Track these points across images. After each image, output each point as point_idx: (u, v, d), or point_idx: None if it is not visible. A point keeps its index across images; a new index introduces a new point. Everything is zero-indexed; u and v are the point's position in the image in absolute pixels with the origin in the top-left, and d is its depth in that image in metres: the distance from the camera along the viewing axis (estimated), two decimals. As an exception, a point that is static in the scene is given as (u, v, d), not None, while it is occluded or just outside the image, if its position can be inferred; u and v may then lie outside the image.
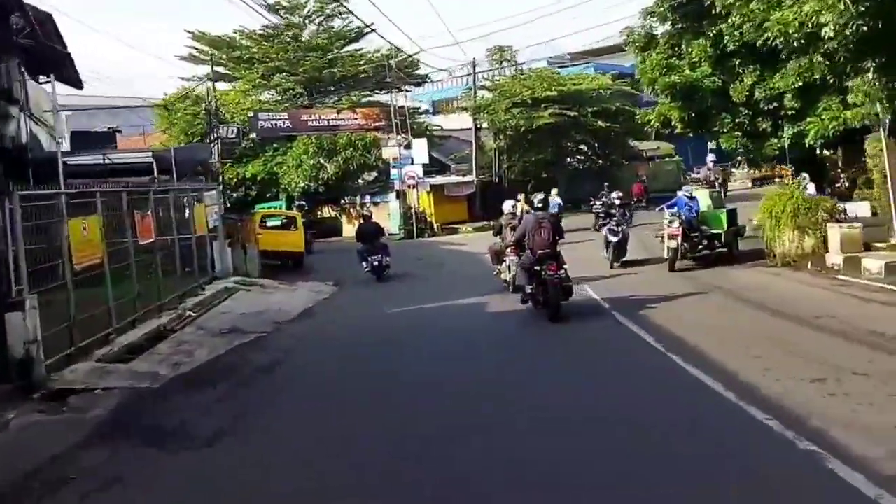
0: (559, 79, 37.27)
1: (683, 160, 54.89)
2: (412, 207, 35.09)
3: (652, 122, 29.80)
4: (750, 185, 53.06)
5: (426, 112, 44.70)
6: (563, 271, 11.46)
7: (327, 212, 41.25)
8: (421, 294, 17.39)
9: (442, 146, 43.70)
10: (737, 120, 26.92)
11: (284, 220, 24.99)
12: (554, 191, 29.60)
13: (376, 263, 19.54)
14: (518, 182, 40.44)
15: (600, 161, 41.89)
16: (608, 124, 37.25)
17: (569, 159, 43.57)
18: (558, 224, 12.31)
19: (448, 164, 43.02)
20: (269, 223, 24.51)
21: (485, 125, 39.22)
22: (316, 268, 24.38)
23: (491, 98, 37.18)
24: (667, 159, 53.69)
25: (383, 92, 40.61)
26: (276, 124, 36.30)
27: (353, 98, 39.52)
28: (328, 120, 36.89)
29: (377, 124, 37.38)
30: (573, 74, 37.99)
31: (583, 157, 43.02)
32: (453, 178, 37.74)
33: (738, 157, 63.42)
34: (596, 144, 41.01)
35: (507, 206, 16.75)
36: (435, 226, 35.30)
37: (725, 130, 27.29)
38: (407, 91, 42.88)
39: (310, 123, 36.42)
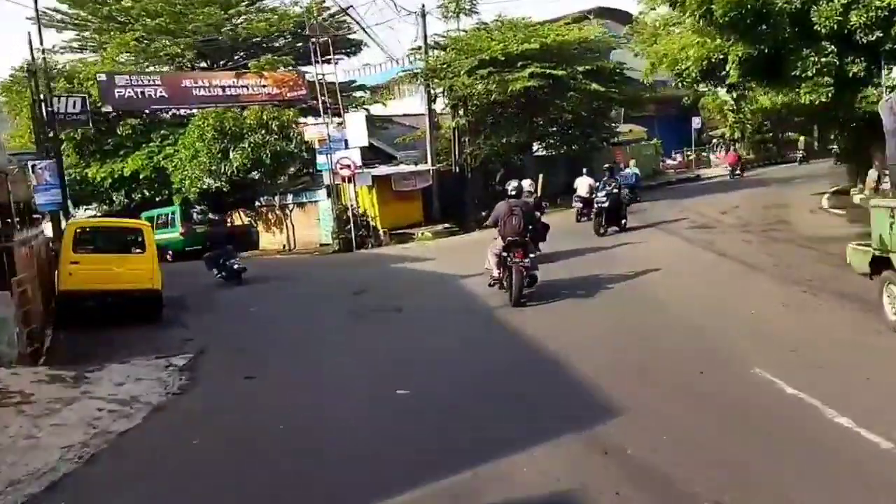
0: (539, 29, 26.98)
1: (662, 143, 45.71)
2: (349, 208, 24.49)
3: (688, 69, 19.95)
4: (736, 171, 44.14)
5: (362, 87, 33.70)
6: (528, 260, 11.21)
7: (241, 218, 30.30)
8: (380, 427, 6.88)
9: (384, 133, 33.15)
10: (823, 58, 17.36)
11: (122, 237, 14.01)
12: (632, 162, 29.71)
13: (231, 265, 17.14)
14: (484, 172, 30.24)
15: (574, 145, 31.84)
16: (606, 88, 27.15)
17: (536, 145, 33.58)
18: (531, 213, 12.27)
19: (393, 154, 32.53)
20: (93, 242, 13.57)
21: (440, 99, 28.68)
22: (185, 315, 13.66)
23: (448, 57, 26.67)
24: (643, 142, 44.45)
25: (308, 66, 29.87)
26: (142, 93, 25.05)
27: (264, 64, 28.42)
28: (223, 87, 25.89)
29: (295, 94, 26.60)
30: (555, 26, 27.70)
31: (556, 140, 32.97)
32: (403, 168, 27.15)
33: (717, 141, 54.95)
34: (572, 122, 30.91)
35: (527, 184, 14.96)
36: (381, 232, 24.77)
37: (811, 74, 17.55)
38: (338, 60, 32.18)
39: (196, 92, 25.39)
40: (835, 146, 37.69)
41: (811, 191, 25.49)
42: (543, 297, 11.57)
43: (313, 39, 25.45)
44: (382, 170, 26.34)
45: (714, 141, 51.56)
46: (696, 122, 43.59)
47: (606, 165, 21.89)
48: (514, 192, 11.90)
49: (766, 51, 17.16)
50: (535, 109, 29.56)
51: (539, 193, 16.09)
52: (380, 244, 24.27)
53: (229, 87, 26.06)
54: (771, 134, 49.32)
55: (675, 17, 46.88)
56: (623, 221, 19.31)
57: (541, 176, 18.58)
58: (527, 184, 15.23)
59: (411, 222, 26.12)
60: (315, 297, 14.64)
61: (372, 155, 30.79)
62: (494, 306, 11.30)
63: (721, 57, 18.91)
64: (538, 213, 14.03)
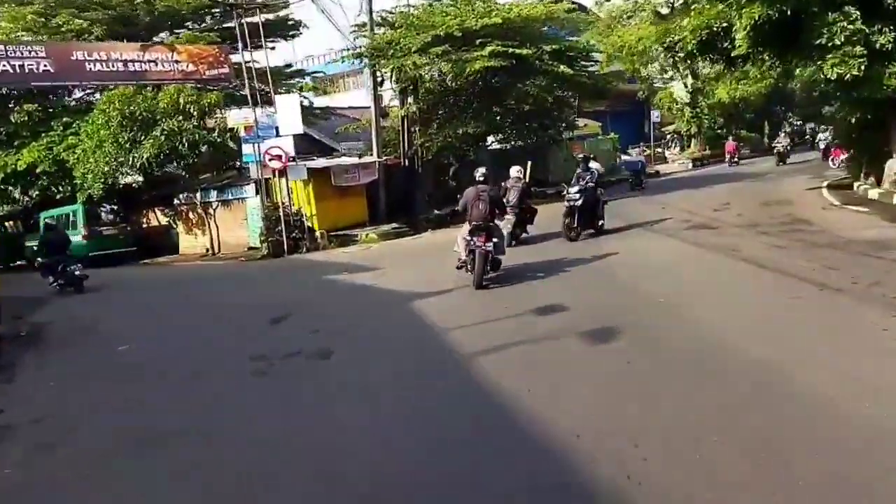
0: (499, 7, 23.10)
1: (620, 137, 42.51)
2: (280, 206, 20.29)
3: (685, 39, 16.61)
4: (690, 167, 41.25)
5: (300, 73, 29.14)
6: (491, 244, 11.07)
7: (157, 218, 25.73)
8: None
9: (325, 124, 28.99)
10: (851, 25, 14.20)
11: None
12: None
13: (71, 271, 15.48)
14: (436, 166, 26.36)
15: (532, 138, 28.29)
16: (575, 71, 23.52)
17: (490, 137, 30.03)
18: (498, 199, 11.99)
19: (335, 146, 28.37)
20: None
21: (388, 84, 24.62)
22: (19, 357, 9.46)
23: (397, 34, 22.57)
24: (600, 137, 41.24)
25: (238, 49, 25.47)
26: (20, 66, 20.16)
27: (184, 40, 23.78)
28: (125, 62, 21.32)
29: (216, 73, 22.25)
30: (517, 3, 23.87)
31: (513, 132, 29.35)
32: (345, 160, 22.98)
33: (671, 136, 52.08)
34: (531, 112, 27.26)
35: (514, 171, 16.13)
36: (318, 234, 20.62)
37: (839, 43, 14.33)
38: (273, 43, 27.82)
39: (90, 67, 20.76)
40: (778, 143, 35.16)
41: (792, 186, 22.40)
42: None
43: (238, 11, 21.04)
44: (320, 162, 22.16)
45: (668, 137, 48.78)
46: (655, 116, 40.60)
47: (580, 155, 17.98)
48: (482, 179, 11.95)
49: (787, 13, 13.71)
50: (494, 98, 25.80)
51: (527, 179, 16.53)
52: (317, 248, 20.15)
53: (133, 61, 21.43)
54: (724, 130, 46.82)
55: (631, 9, 44.06)
56: (600, 223, 15.59)
57: (529, 163, 18.52)
58: (515, 170, 16.06)
59: (354, 222, 22.07)
60: (219, 328, 10.51)
61: (310, 147, 26.62)
62: (467, 353, 7.42)
63: (724, 25, 15.44)
64: (528, 199, 16.01)
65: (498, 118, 25.80)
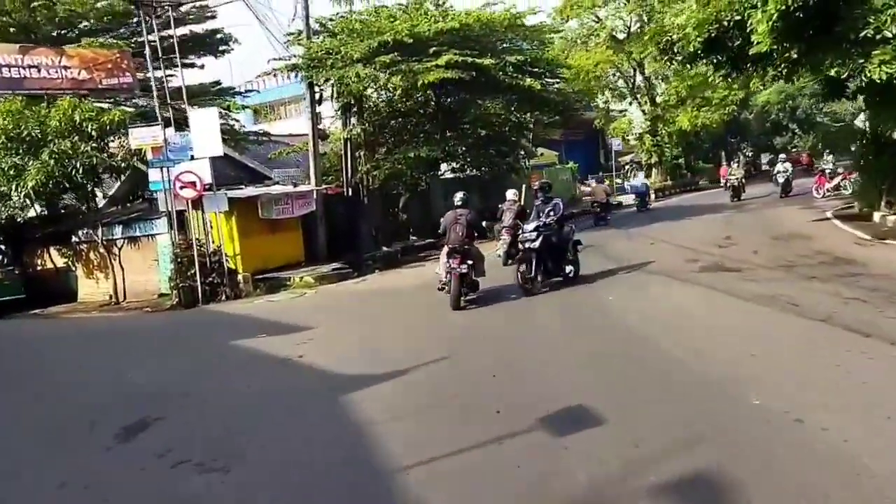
0: (455, 14, 19.78)
1: (579, 166, 39.69)
2: (195, 244, 16.36)
3: (687, 37, 13.52)
4: (653, 197, 38.38)
5: (229, 91, 25.19)
6: (465, 266, 11.01)
7: (56, 259, 21.35)
8: None
9: (260, 150, 25.28)
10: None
11: None
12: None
13: None
14: (384, 196, 22.81)
15: (486, 166, 25.19)
16: (543, 86, 20.37)
17: (444, 165, 26.82)
18: (477, 222, 11.98)
19: (268, 174, 24.59)
20: None
21: (327, 101, 21.02)
22: None
23: (338, 42, 19.01)
24: (558, 166, 38.47)
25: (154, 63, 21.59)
26: None
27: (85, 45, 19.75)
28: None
29: (115, 82, 18.31)
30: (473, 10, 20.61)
31: (468, 160, 26.14)
32: (276, 189, 19.11)
33: (630, 167, 49.58)
34: (488, 137, 24.09)
35: (510, 193, 15.92)
36: (240, 277, 16.67)
37: (889, 36, 11.40)
38: (199, 65, 23.95)
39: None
40: (732, 175, 32.33)
41: (790, 216, 19.58)
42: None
43: (146, 10, 17.19)
44: (246, 191, 18.31)
45: (626, 167, 46.27)
46: (616, 144, 37.86)
47: (536, 183, 13.83)
48: (460, 203, 12.04)
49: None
50: (448, 120, 22.47)
51: (522, 202, 16.30)
52: (238, 294, 16.24)
53: (7, 66, 17.36)
54: (682, 160, 44.56)
55: (587, 33, 41.52)
56: (568, 269, 11.93)
57: (523, 186, 17.79)
58: (511, 193, 15.90)
59: (287, 262, 18.25)
60: (26, 447, 6.58)
61: (241, 174, 22.82)
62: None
63: (737, 18, 12.35)
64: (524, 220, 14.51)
65: (453, 143, 22.40)
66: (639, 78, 41.23)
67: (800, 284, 9.70)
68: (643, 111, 40.60)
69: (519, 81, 19.23)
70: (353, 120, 20.95)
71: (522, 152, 28.60)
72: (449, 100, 23.01)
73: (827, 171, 25.68)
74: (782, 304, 8.48)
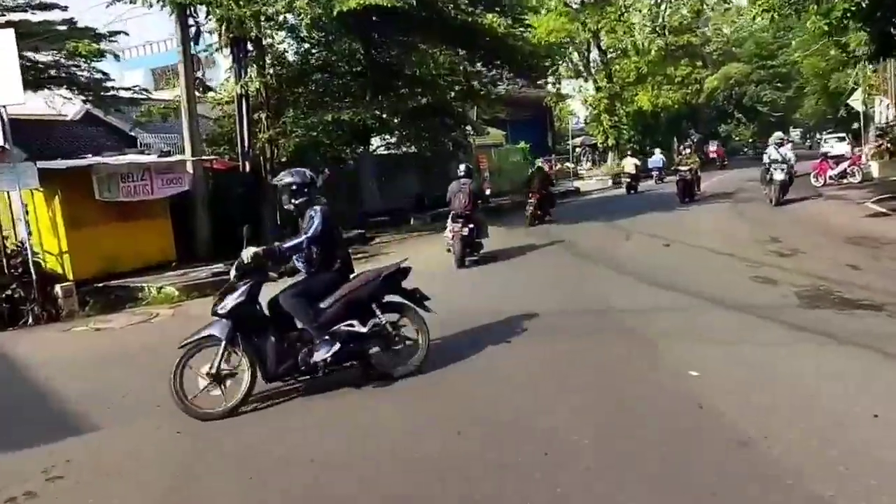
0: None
1: (532, 145, 34.64)
2: (-6, 237, 10.45)
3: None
4: (610, 184, 33.64)
5: (89, 33, 18.63)
6: (466, 230, 11.72)
7: None
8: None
9: (129, 111, 19.12)
10: None
11: None
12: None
13: None
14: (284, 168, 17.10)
15: (426, 142, 20.08)
16: (508, 27, 15.07)
17: (377, 140, 21.62)
18: (479, 191, 13.11)
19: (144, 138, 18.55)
20: None
21: (209, 35, 15.20)
22: None
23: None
24: (507, 146, 33.49)
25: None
26: None
27: None
28: None
29: None
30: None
31: (406, 134, 20.93)
32: (126, 159, 13.09)
33: (582, 150, 44.80)
34: (430, 107, 18.79)
35: (462, 168, 13.19)
36: (59, 290, 10.74)
37: None
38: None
39: None
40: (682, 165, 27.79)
41: (819, 209, 15.05)
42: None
43: None
44: (73, 162, 12.32)
45: (578, 150, 41.55)
46: (574, 122, 32.91)
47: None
48: (462, 174, 12.54)
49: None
50: (381, 77, 16.99)
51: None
52: (56, 315, 10.39)
53: None
54: (636, 144, 40.06)
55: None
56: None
57: None
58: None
59: (147, 263, 12.45)
60: None
61: (110, 140, 16.78)
62: None
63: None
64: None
65: (385, 106, 16.89)
66: (594, 53, 36.51)
67: None
68: (598, 88, 35.84)
69: (477, 20, 13.85)
70: (252, 70, 15.18)
71: (469, 127, 23.36)
72: (381, 52, 17.55)
73: (830, 156, 21.41)
74: None
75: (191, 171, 13.43)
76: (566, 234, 15.03)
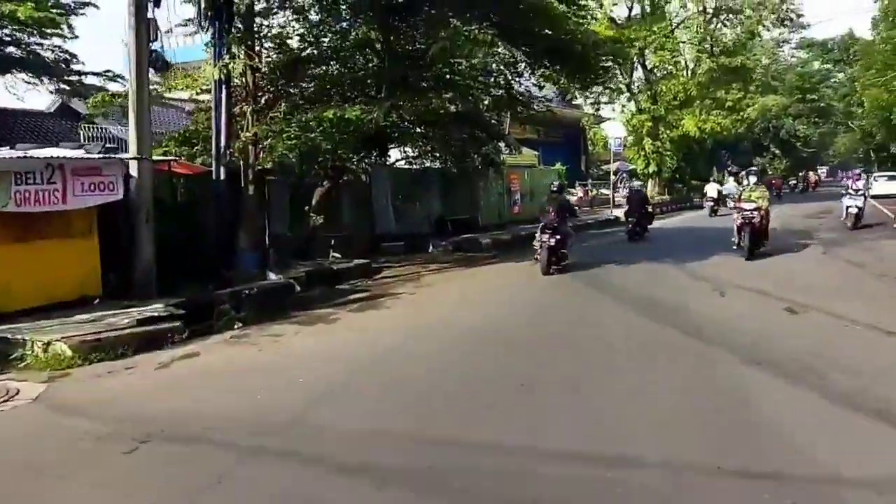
0: None
1: (568, 168, 30.68)
2: None
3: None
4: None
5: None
6: (553, 240, 12.18)
7: None
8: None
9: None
10: None
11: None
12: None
13: None
14: (291, 186, 13.52)
15: (452, 158, 16.39)
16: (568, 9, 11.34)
17: (396, 152, 18.03)
18: (568, 205, 13.85)
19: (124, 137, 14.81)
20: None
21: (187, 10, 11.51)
22: None
23: None
24: (541, 168, 29.63)
25: None
26: None
27: None
28: None
29: None
30: None
31: (430, 147, 17.25)
32: (36, 153, 9.29)
33: (622, 175, 40.46)
34: (457, 115, 15.03)
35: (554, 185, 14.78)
36: None
37: None
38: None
39: None
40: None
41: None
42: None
43: None
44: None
45: (618, 176, 37.26)
46: (615, 144, 28.73)
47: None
48: (555, 189, 13.83)
49: None
50: (400, 68, 13.19)
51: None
52: None
53: None
54: (678, 173, 35.81)
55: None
56: None
57: None
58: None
59: (53, 298, 8.63)
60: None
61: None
62: None
63: None
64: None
65: (402, 109, 13.02)
66: (638, 72, 32.59)
67: None
68: (640, 109, 31.82)
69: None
70: (240, 50, 11.43)
71: (503, 143, 19.45)
72: (403, 39, 13.81)
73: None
74: None
75: (135, 175, 9.61)
76: (623, 279, 11.37)
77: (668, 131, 31.45)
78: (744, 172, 15.93)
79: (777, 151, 62.18)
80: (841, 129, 66.31)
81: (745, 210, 13.76)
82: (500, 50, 14.83)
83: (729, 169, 50.40)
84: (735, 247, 13.95)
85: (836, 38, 54.19)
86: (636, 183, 18.16)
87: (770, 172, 69.88)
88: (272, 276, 11.10)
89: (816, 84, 56.34)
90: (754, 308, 8.88)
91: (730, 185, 27.74)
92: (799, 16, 31.59)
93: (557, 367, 6.44)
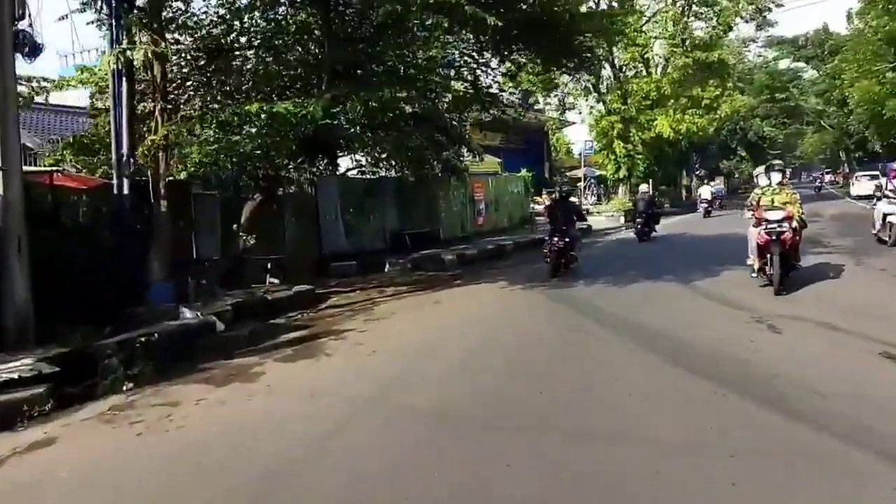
0: None
1: (534, 175, 28.87)
2: None
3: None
4: (622, 221, 27.77)
5: None
6: (562, 243, 12.30)
7: None
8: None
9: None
10: None
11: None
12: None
13: None
14: (219, 203, 11.26)
15: (409, 166, 14.35)
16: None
17: (347, 159, 15.90)
18: (577, 210, 13.94)
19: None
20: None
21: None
22: None
23: None
24: (505, 175, 27.85)
25: None
26: None
27: None
28: None
29: None
30: None
31: (380, 154, 15.16)
32: None
33: (588, 182, 38.62)
34: (414, 118, 13.01)
35: (564, 189, 14.53)
36: None
37: None
38: None
39: None
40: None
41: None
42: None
43: None
44: None
45: (584, 183, 35.63)
46: (587, 147, 27.06)
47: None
48: (564, 193, 13.83)
49: None
50: (343, 56, 11.12)
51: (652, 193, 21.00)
52: None
53: None
54: (649, 179, 34.24)
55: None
56: None
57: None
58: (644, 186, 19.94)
59: None
60: None
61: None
62: None
63: None
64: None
65: (345, 102, 10.89)
66: (606, 70, 30.97)
67: None
68: (609, 111, 30.23)
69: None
70: (137, 33, 9.28)
71: (465, 148, 17.40)
72: (346, 22, 11.76)
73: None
74: None
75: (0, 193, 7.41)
76: (626, 303, 9.37)
77: (639, 133, 29.89)
78: (761, 168, 11.46)
79: (744, 154, 61.50)
80: (810, 129, 65.91)
81: (771, 222, 9.29)
82: (465, 34, 12.76)
83: (697, 173, 49.44)
84: (754, 273, 9.88)
85: (808, 34, 53.65)
86: (643, 187, 20.02)
87: (737, 175, 69.61)
88: (187, 314, 8.90)
89: (787, 83, 55.73)
90: (833, 352, 6.51)
91: (714, 187, 27.58)
92: (778, 5, 30.22)
93: (560, 481, 4.36)
